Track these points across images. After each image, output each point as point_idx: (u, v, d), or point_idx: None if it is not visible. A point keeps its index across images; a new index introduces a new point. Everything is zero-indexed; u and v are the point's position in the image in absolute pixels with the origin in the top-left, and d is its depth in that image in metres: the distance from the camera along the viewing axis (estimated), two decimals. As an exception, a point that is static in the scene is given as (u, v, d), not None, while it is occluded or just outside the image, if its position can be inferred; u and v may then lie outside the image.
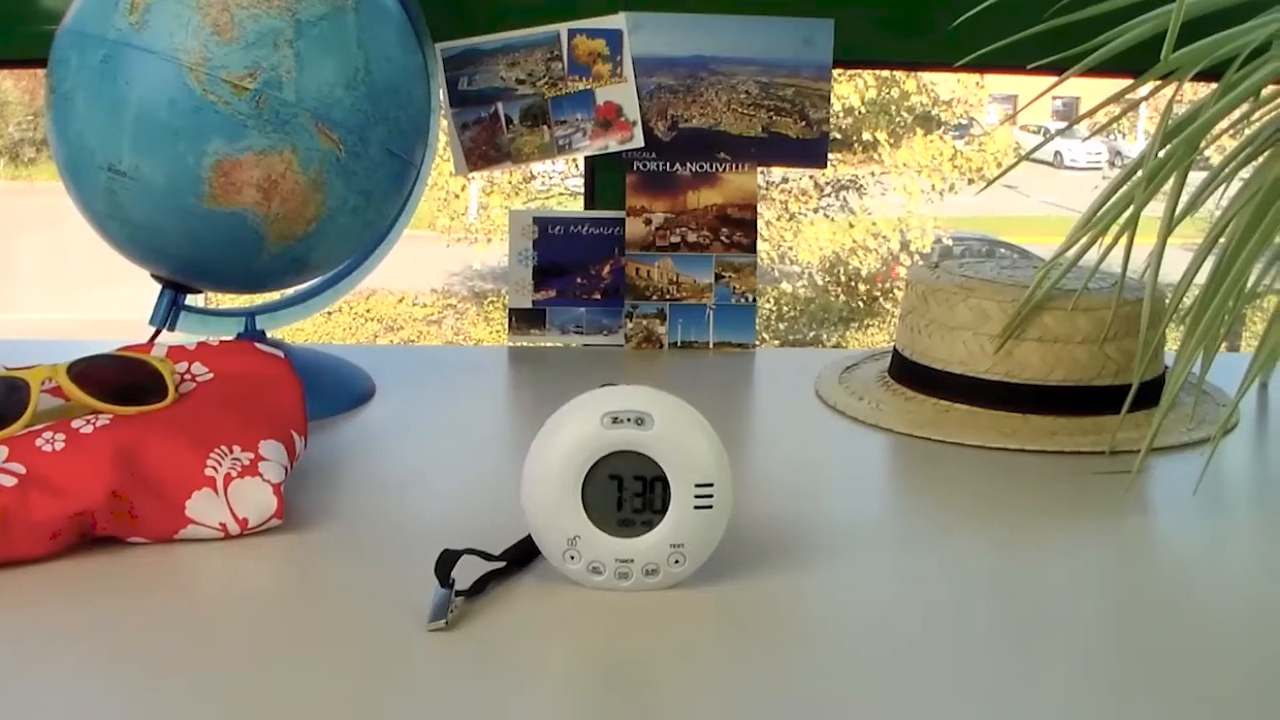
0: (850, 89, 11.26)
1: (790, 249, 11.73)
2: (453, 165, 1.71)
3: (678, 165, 1.71)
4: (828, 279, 11.83)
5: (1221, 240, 1.22)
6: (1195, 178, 1.29)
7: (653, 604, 0.98)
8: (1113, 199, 1.31)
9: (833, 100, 1.73)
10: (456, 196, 11.57)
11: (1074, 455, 1.31)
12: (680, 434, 0.97)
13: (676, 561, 0.99)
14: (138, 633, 0.91)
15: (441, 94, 1.66)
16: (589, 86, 1.69)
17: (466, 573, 0.97)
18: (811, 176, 11.01)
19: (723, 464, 0.99)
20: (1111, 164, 14.00)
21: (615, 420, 0.96)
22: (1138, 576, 1.07)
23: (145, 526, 1.04)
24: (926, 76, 11.09)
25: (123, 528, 1.03)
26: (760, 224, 1.74)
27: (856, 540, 1.11)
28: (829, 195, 11.95)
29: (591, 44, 1.68)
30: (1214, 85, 1.24)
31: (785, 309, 11.61)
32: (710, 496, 0.98)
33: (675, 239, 1.71)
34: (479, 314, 11.59)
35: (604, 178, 1.75)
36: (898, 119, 12.04)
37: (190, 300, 1.42)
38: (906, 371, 1.47)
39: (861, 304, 11.71)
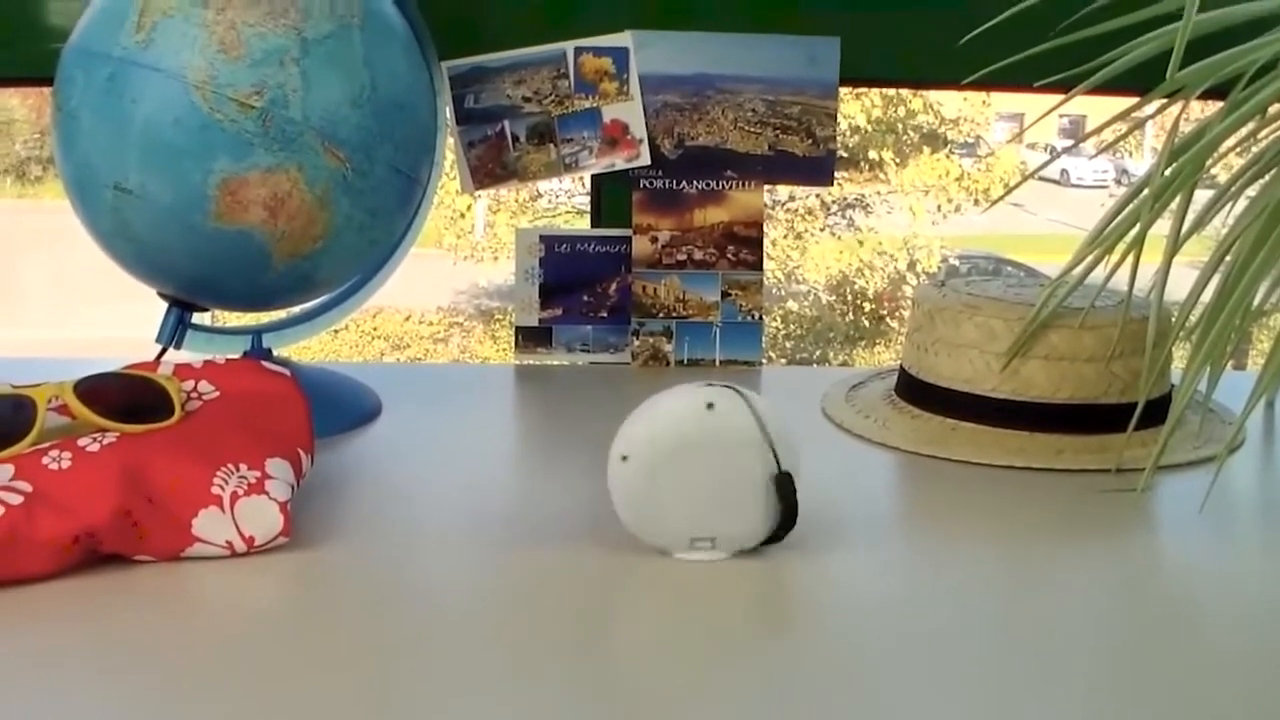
0: (856, 108, 11.28)
1: (797, 268, 11.74)
2: (459, 183, 1.71)
3: (684, 183, 1.71)
4: (834, 298, 11.84)
5: (1228, 258, 1.22)
6: (1201, 196, 1.29)
7: (649, 610, 0.98)
8: (1119, 217, 1.31)
9: (839, 118, 1.73)
10: (463, 215, 11.59)
11: (1080, 473, 1.31)
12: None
13: None
14: (143, 651, 0.91)
15: (448, 112, 1.66)
16: (595, 104, 1.69)
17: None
18: (818, 195, 11.02)
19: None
20: (1118, 182, 14.01)
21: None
22: (1144, 594, 1.07)
23: (151, 544, 1.04)
24: (933, 95, 11.11)
25: (129, 546, 1.03)
26: (766, 243, 1.74)
27: (862, 558, 1.11)
28: (835, 214, 11.97)
29: (598, 62, 1.68)
30: (1220, 103, 1.24)
31: (792, 327, 11.62)
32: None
33: (681, 257, 1.71)
34: (486, 332, 11.60)
35: (610, 196, 1.75)
36: (904, 137, 12.06)
37: (197, 318, 1.42)
38: (913, 390, 1.47)
39: (868, 323, 11.72)
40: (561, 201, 10.94)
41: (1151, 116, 1.37)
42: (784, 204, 11.31)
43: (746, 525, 1.06)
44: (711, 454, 1.05)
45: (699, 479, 1.05)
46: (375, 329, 11.09)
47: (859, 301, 11.84)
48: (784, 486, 1.06)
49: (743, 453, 1.05)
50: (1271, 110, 1.25)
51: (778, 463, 1.06)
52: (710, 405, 1.05)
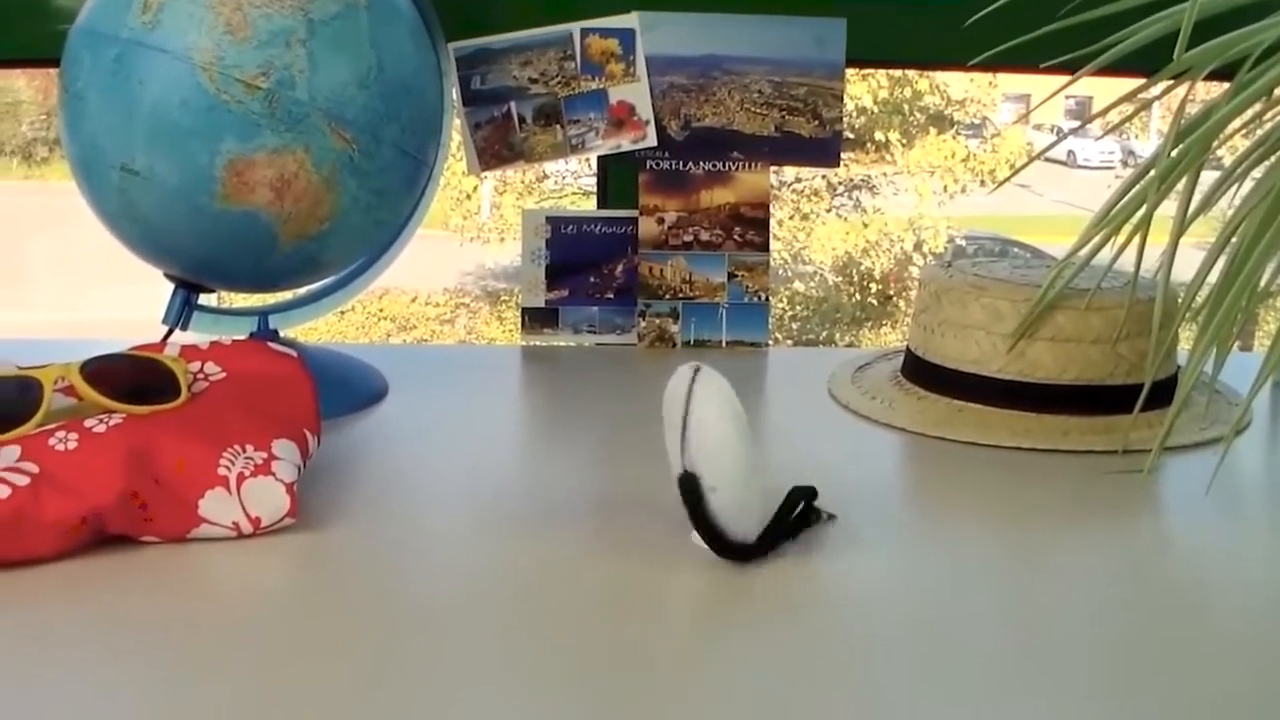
0: (863, 88, 11.27)
1: (803, 249, 11.73)
2: (465, 164, 1.71)
3: (690, 164, 1.71)
4: (840, 279, 11.84)
5: (1234, 239, 1.22)
6: (1208, 177, 1.28)
7: (654, 591, 0.98)
8: (1125, 198, 1.30)
9: (845, 99, 1.73)
10: (469, 196, 11.59)
11: (1086, 454, 1.31)
12: None
13: None
14: (150, 632, 0.91)
15: (454, 93, 1.66)
16: (602, 86, 1.69)
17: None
18: (824, 176, 11.01)
19: None
20: (1124, 163, 13.99)
21: None
22: (1150, 576, 1.07)
23: (158, 525, 1.04)
24: (939, 76, 11.09)
25: (135, 527, 1.03)
26: (773, 223, 1.73)
27: (868, 539, 1.11)
28: (841, 195, 11.96)
29: (604, 43, 1.68)
30: (1227, 85, 1.24)
31: (798, 308, 11.61)
32: None
33: (688, 238, 1.71)
34: (492, 313, 11.61)
35: (617, 177, 1.75)
36: (910, 119, 12.04)
37: (203, 299, 1.43)
38: (919, 371, 1.47)
39: (874, 304, 11.71)
40: (568, 183, 10.94)
41: (1158, 98, 1.37)
42: (790, 185, 11.31)
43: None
44: (670, 429, 1.02)
45: (672, 453, 1.02)
46: (382, 310, 11.09)
47: (865, 282, 11.84)
48: (684, 489, 1.00)
49: (670, 438, 1.01)
50: (1277, 92, 1.25)
51: (682, 459, 1.00)
52: (696, 371, 1.02)
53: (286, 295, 1.56)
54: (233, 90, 1.22)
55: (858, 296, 11.82)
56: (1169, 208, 1.28)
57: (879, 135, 11.86)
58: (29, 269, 11.37)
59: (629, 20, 1.68)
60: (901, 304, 11.45)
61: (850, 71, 1.74)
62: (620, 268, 1.73)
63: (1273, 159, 1.22)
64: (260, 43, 1.23)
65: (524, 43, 1.67)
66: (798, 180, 11.32)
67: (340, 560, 1.04)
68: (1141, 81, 1.33)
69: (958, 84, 11.92)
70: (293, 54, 1.24)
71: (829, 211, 11.95)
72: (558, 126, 1.69)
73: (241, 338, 1.34)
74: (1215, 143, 1.25)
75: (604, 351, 1.71)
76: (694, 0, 1.69)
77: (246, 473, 1.06)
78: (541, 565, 1.03)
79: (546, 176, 10.98)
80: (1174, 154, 1.25)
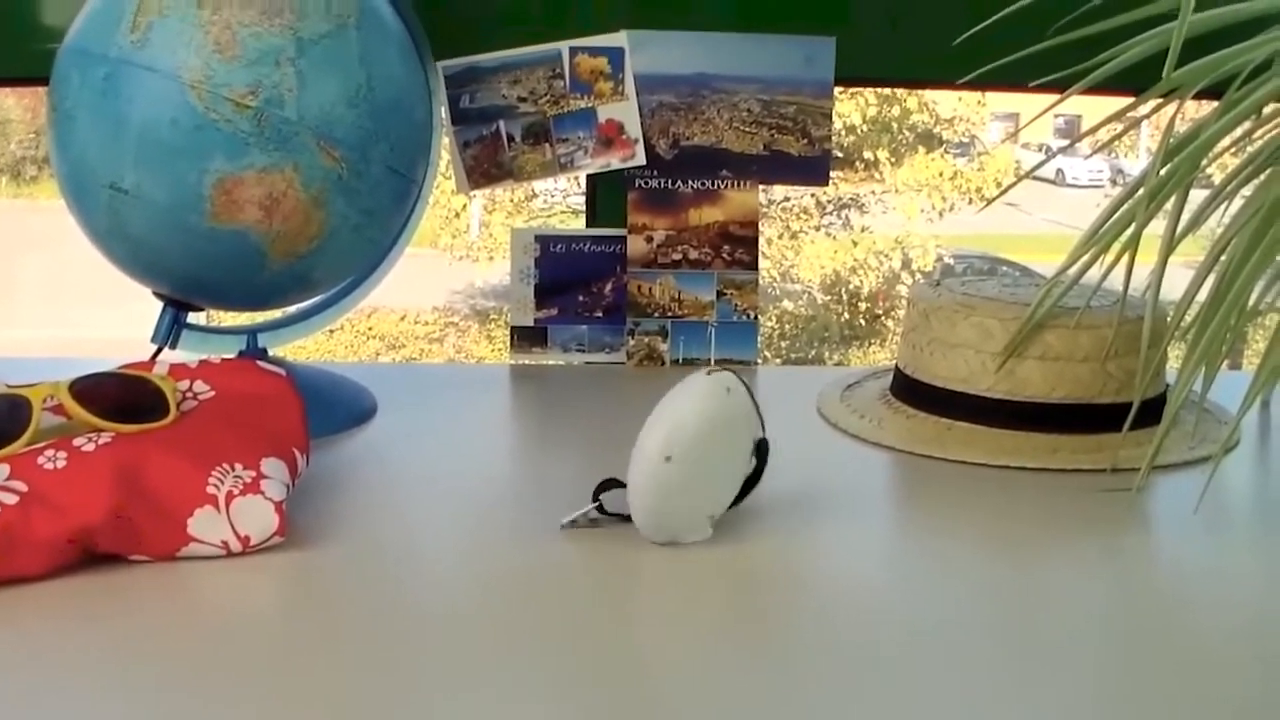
0: (852, 107, 11.26)
1: (792, 267, 11.73)
2: (454, 183, 1.71)
3: (679, 183, 1.71)
4: (829, 297, 11.83)
5: (1223, 258, 1.22)
6: (1197, 196, 1.29)
7: (645, 607, 0.98)
8: (1114, 217, 1.31)
9: (834, 118, 1.73)
10: (458, 215, 11.57)
11: (1075, 473, 1.31)
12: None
13: None
14: (139, 650, 0.91)
15: (443, 112, 1.66)
16: (591, 104, 1.69)
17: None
18: (813, 195, 11.00)
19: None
20: (1113, 182, 13.98)
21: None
22: (1138, 594, 1.07)
23: (147, 544, 1.04)
24: (928, 95, 11.09)
25: (124, 545, 1.03)
26: (761, 242, 1.74)
27: (857, 558, 1.11)
28: (830, 213, 11.96)
29: (593, 62, 1.68)
30: (1215, 103, 1.24)
31: (787, 327, 11.61)
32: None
33: (677, 256, 1.71)
34: (481, 332, 11.59)
35: (606, 195, 1.75)
36: (899, 137, 12.04)
37: (192, 318, 1.42)
38: (908, 389, 1.47)
39: (863, 322, 11.71)
40: (557, 201, 10.93)
41: (1147, 116, 1.37)
42: (779, 203, 11.30)
43: (732, 492, 1.13)
44: (730, 432, 1.10)
45: (720, 459, 1.10)
46: (370, 329, 11.07)
47: (854, 301, 11.83)
48: (762, 449, 1.13)
49: (744, 425, 1.12)
50: (1266, 110, 1.25)
51: (762, 428, 1.13)
52: (728, 390, 1.10)
53: (275, 314, 1.56)
54: (222, 109, 1.22)
55: (846, 315, 11.81)
56: (1158, 226, 1.28)
57: (868, 154, 11.86)
58: (18, 287, 11.35)
59: (618, 39, 1.68)
60: (890, 322, 11.44)
61: (839, 90, 1.74)
62: (609, 286, 1.73)
63: (1262, 177, 1.22)
64: (249, 61, 1.23)
65: (513, 61, 1.67)
66: (786, 199, 11.31)
67: (329, 579, 1.04)
68: (1130, 100, 1.33)
69: (946, 102, 11.92)
70: (282, 73, 1.24)
71: (818, 230, 11.94)
72: (547, 145, 1.69)
73: (230, 356, 1.34)
74: (1204, 161, 1.25)
75: (593, 370, 1.71)
76: (683, 19, 1.69)
77: (235, 491, 1.06)
78: (530, 582, 1.03)
79: (535, 195, 10.96)
80: (1163, 172, 1.25)
